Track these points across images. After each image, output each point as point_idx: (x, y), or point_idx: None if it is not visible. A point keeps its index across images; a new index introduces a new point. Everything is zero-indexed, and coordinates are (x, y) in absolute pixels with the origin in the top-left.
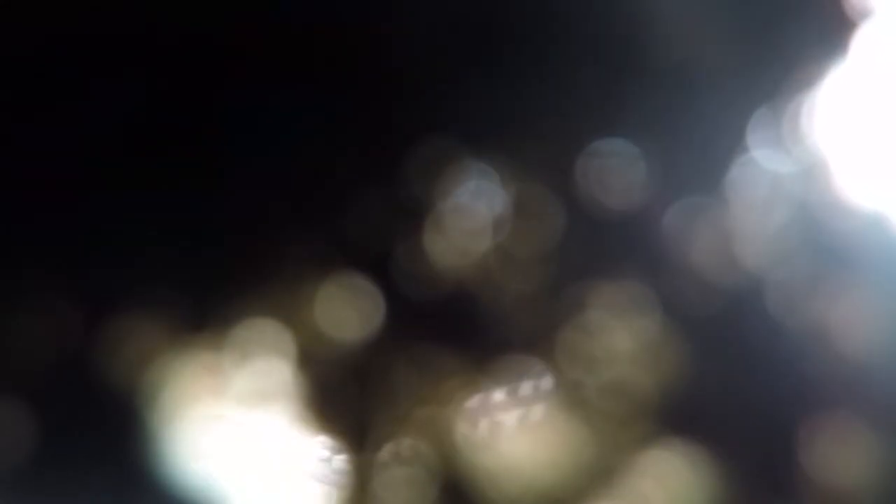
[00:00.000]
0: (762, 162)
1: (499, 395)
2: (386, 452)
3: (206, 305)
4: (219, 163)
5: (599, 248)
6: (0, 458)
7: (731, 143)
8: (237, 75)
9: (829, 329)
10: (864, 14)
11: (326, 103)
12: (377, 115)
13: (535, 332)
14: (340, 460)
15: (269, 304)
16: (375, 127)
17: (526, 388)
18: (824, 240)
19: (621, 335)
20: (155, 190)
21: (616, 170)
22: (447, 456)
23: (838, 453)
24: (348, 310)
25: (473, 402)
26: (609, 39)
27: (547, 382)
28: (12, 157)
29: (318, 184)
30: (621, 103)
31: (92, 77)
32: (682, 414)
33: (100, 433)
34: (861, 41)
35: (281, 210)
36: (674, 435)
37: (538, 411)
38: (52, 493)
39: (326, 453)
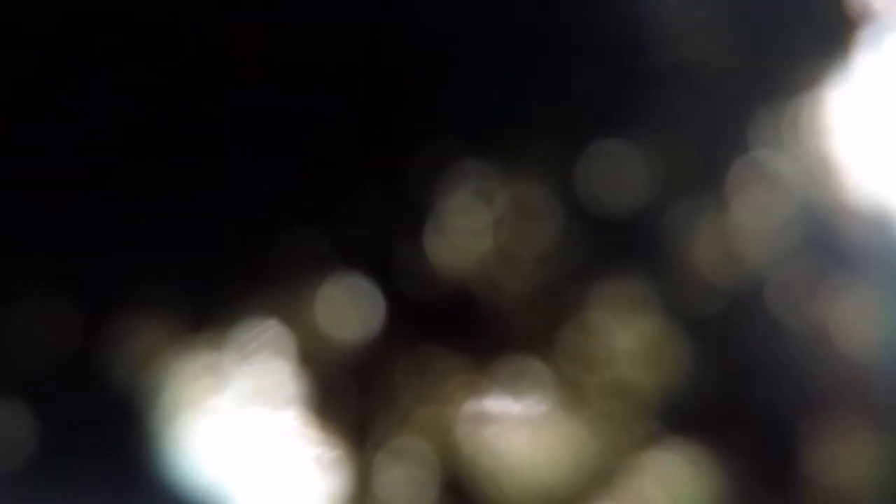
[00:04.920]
0: (762, 162)
1: (499, 395)
2: (386, 452)
3: (206, 305)
4: (219, 163)
5: (599, 248)
6: (1, 457)
7: (731, 143)
8: (238, 76)
9: (829, 329)
10: (865, 15)
11: (327, 103)
12: (377, 115)
13: (535, 332)
14: (341, 460)
15: (269, 304)
16: (376, 127)
17: (526, 388)
18: (825, 240)
19: (621, 335)
20: (155, 190)
21: (616, 170)
22: (447, 456)
23: (838, 453)
24: (348, 310)
25: (473, 401)
26: (610, 40)
27: (547, 382)
28: (13, 157)
29: (318, 184)
30: (621, 103)
31: (93, 78)
32: (682, 414)
33: (101, 433)
34: (862, 42)
35: (281, 210)
36: (674, 435)
37: (538, 411)
38: (52, 492)
39: (327, 453)
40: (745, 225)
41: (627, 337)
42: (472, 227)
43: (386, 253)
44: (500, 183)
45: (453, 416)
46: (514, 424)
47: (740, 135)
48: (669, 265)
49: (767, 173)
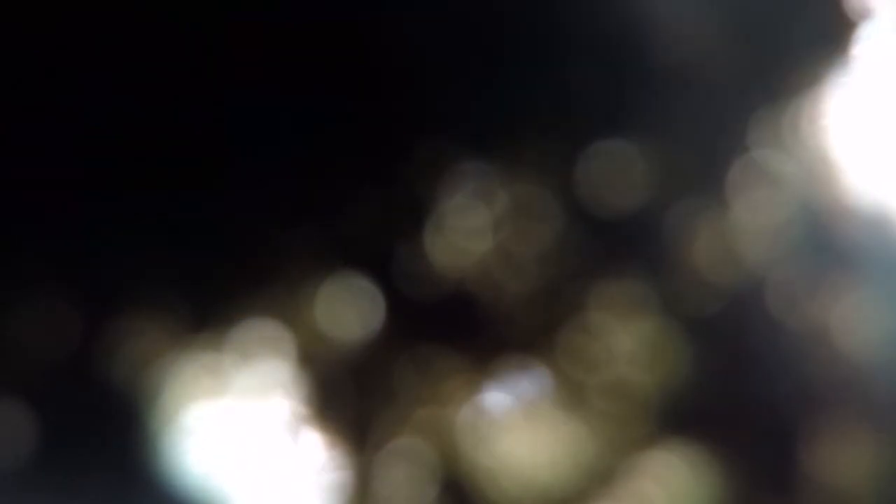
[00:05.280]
0: (762, 162)
1: (499, 395)
2: (386, 452)
3: (207, 305)
4: (219, 163)
5: (599, 248)
6: (1, 457)
7: (731, 143)
8: (238, 76)
9: (829, 329)
10: (865, 14)
11: (327, 105)
12: (377, 116)
13: (535, 332)
14: (340, 460)
15: (269, 304)
16: (375, 127)
17: (526, 388)
18: (825, 240)
19: (621, 335)
20: (155, 190)
21: (616, 170)
22: (447, 456)
23: (838, 453)
24: (348, 310)
25: (473, 401)
26: (610, 40)
27: (547, 382)
28: (12, 157)
29: (318, 184)
30: (621, 103)
31: (93, 77)
32: (682, 414)
33: (101, 433)
34: (861, 41)
35: (281, 210)
36: (674, 435)
37: (538, 411)
38: (52, 493)
39: (326, 453)
40: (745, 225)
41: (627, 337)
42: (472, 227)
43: (386, 253)
44: (500, 183)
45: (453, 416)
46: (514, 424)
47: (740, 135)
48: (669, 265)
49: (767, 173)
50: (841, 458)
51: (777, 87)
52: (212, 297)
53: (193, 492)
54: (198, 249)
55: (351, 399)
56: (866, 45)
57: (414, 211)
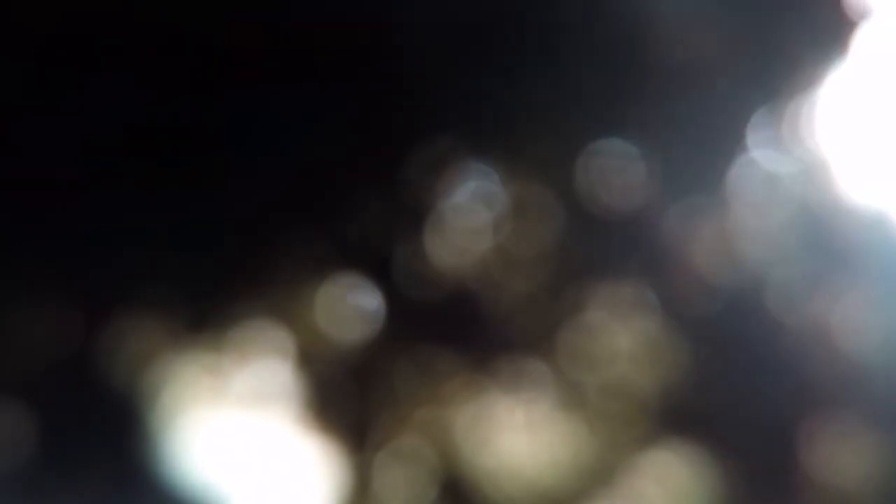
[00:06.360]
0: (762, 162)
1: (499, 395)
2: (386, 452)
3: (206, 305)
4: (219, 163)
5: (599, 248)
6: (1, 457)
7: (731, 143)
8: (238, 77)
9: (829, 329)
10: (864, 14)
11: (327, 105)
12: (377, 116)
13: (535, 332)
14: (340, 460)
15: (269, 304)
16: (376, 128)
17: (526, 388)
18: (824, 240)
19: (621, 335)
20: (155, 190)
21: (616, 170)
22: (447, 456)
23: (838, 453)
24: (348, 310)
25: (473, 401)
26: (610, 39)
27: (547, 382)
28: (12, 157)
29: (318, 184)
30: (621, 103)
31: (93, 78)
32: (682, 414)
33: (100, 433)
34: (861, 41)
35: (281, 211)
36: (674, 435)
37: (538, 411)
38: (52, 493)
39: (326, 453)
40: (745, 225)
41: (627, 337)
42: (472, 227)
43: (386, 253)
44: (500, 183)
45: (453, 416)
46: (514, 424)
47: (740, 135)
48: (669, 265)
49: (767, 173)
50: (841, 458)
51: (777, 87)
52: (212, 297)
53: (193, 492)
54: (197, 249)
55: (351, 399)
56: (866, 45)
57: (414, 211)
